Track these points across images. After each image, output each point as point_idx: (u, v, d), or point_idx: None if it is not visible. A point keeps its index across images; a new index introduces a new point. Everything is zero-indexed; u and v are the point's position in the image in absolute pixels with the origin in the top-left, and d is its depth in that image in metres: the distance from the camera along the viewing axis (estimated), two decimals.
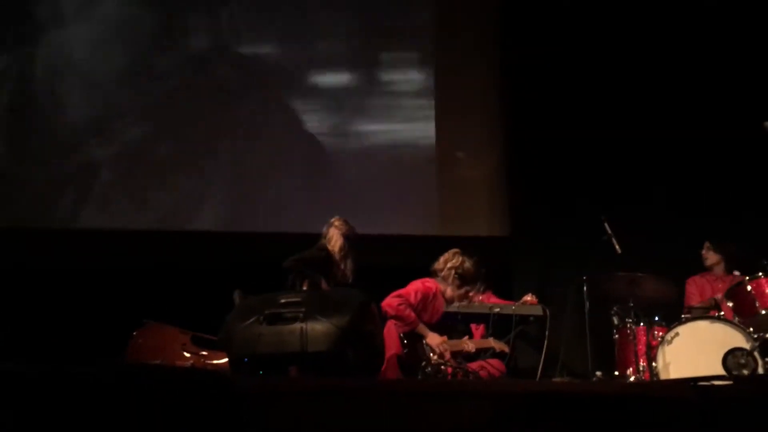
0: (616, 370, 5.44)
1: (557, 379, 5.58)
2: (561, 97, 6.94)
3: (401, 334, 5.18)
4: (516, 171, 7.09)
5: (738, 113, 6.39)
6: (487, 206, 7.19)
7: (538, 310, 5.37)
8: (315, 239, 5.41)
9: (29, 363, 2.88)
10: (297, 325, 3.90)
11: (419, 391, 3.14)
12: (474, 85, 7.31)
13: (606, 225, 5.63)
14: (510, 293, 6.01)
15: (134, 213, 6.78)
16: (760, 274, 5.25)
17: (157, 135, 6.93)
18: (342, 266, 5.30)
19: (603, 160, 6.88)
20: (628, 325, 5.39)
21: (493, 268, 5.78)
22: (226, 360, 4.66)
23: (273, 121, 7.10)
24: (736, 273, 5.71)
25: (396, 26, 7.27)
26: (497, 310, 5.30)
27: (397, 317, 5.16)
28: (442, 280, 5.38)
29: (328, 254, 5.29)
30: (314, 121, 7.10)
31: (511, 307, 5.37)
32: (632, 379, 5.25)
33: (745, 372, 4.86)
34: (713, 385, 3.07)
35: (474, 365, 5.19)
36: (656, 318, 5.40)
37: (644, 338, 5.27)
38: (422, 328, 5.20)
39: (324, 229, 5.41)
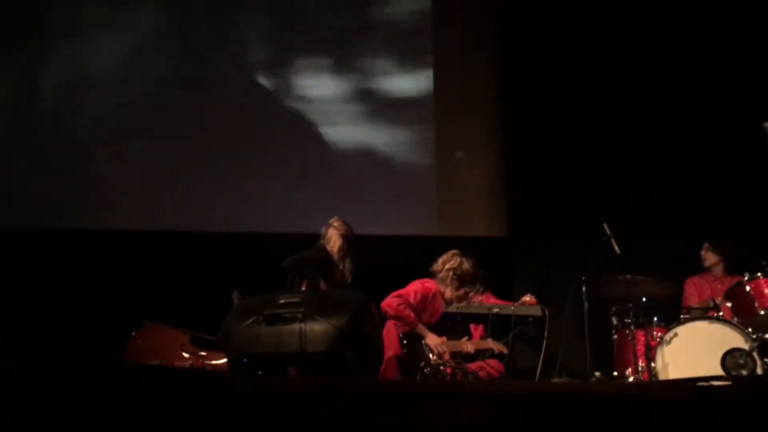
0: (615, 370, 5.44)
1: (556, 380, 5.58)
2: (560, 97, 6.94)
3: (400, 335, 5.19)
4: (515, 171, 7.09)
5: (738, 113, 6.39)
6: (486, 206, 7.19)
7: (537, 311, 5.36)
8: (314, 240, 5.41)
9: (29, 363, 2.88)
10: (296, 326, 3.91)
11: (418, 392, 3.15)
12: (474, 85, 7.31)
13: (605, 226, 5.63)
14: (509, 294, 6.01)
15: (134, 213, 6.78)
16: (759, 274, 5.25)
17: (158, 135, 6.93)
18: (341, 267, 5.31)
19: (602, 160, 6.88)
20: (627, 326, 5.39)
21: (492, 268, 5.78)
22: (224, 360, 4.66)
23: (273, 122, 7.10)
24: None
25: (396, 26, 7.27)
26: (496, 310, 5.30)
27: (396, 317, 5.17)
28: (440, 282, 5.39)
29: (327, 255, 5.30)
30: (314, 122, 7.10)
31: (510, 308, 5.36)
32: (631, 379, 5.25)
33: (744, 372, 4.87)
34: (712, 386, 3.08)
35: (473, 366, 5.19)
36: (655, 318, 5.40)
37: (643, 339, 5.27)
38: (421, 329, 5.21)
39: (323, 230, 5.42)
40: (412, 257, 6.22)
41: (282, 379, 3.84)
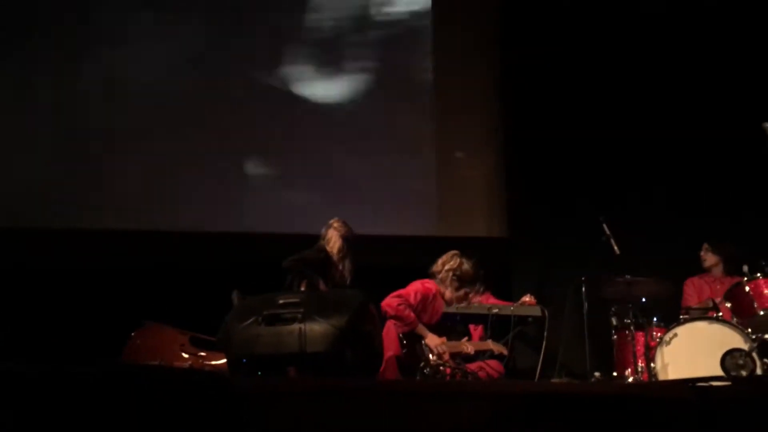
0: (615, 370, 5.44)
1: (556, 380, 5.58)
2: (560, 97, 6.95)
3: (400, 335, 5.19)
4: (515, 171, 7.09)
5: (738, 113, 6.39)
6: (486, 206, 7.20)
7: (536, 311, 5.36)
8: (314, 240, 5.41)
9: (29, 363, 2.88)
10: (295, 326, 3.90)
11: (418, 392, 3.15)
12: (474, 85, 7.32)
13: (605, 226, 5.63)
14: (509, 294, 6.01)
15: (134, 213, 6.78)
16: (759, 275, 5.26)
17: (158, 136, 6.93)
18: (340, 267, 5.32)
19: (602, 160, 6.88)
20: (627, 326, 5.39)
21: (491, 268, 5.78)
22: (224, 361, 4.66)
23: (273, 122, 7.10)
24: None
25: (395, 26, 7.27)
26: (495, 311, 5.29)
27: (396, 317, 5.17)
28: (440, 283, 5.39)
29: (327, 255, 5.30)
30: (314, 123, 7.09)
31: (509, 308, 5.36)
32: (631, 380, 5.25)
33: (744, 373, 4.87)
34: (711, 386, 3.08)
35: (472, 366, 5.19)
36: (655, 319, 5.40)
37: (643, 339, 5.27)
38: (421, 329, 5.21)
39: (323, 231, 5.43)
40: (412, 257, 6.23)
41: (282, 380, 3.83)
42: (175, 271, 6.43)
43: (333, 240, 5.35)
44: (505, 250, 6.97)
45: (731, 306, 5.34)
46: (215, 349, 5.16)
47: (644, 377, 5.20)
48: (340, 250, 5.33)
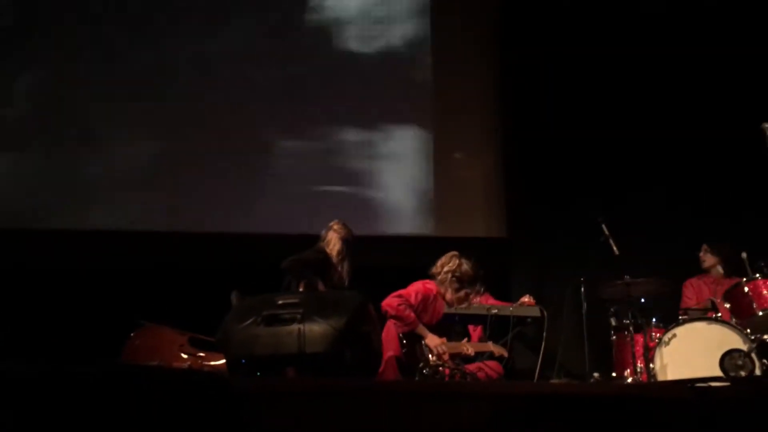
0: (614, 371, 5.44)
1: (555, 381, 5.58)
2: (560, 97, 6.95)
3: (400, 335, 5.19)
4: (514, 171, 7.09)
5: (738, 113, 6.39)
6: (485, 207, 7.20)
7: (535, 312, 5.36)
8: (314, 241, 5.42)
9: (29, 363, 2.88)
10: (294, 327, 3.90)
11: (417, 392, 3.15)
12: (473, 86, 7.32)
13: (603, 226, 5.63)
14: (508, 294, 6.01)
15: (133, 213, 6.78)
16: (758, 275, 5.26)
17: (158, 135, 6.93)
18: (339, 269, 5.32)
19: (601, 160, 6.89)
20: (626, 327, 5.39)
21: (491, 269, 5.78)
22: (223, 361, 4.65)
23: (273, 122, 7.10)
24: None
25: (395, 26, 7.27)
26: (495, 311, 5.29)
27: (396, 317, 5.17)
28: (440, 284, 5.39)
29: (326, 257, 5.30)
30: (314, 123, 7.10)
31: (508, 309, 5.35)
32: (630, 380, 5.25)
33: (743, 373, 4.87)
34: (710, 387, 3.07)
35: (472, 367, 5.19)
36: (654, 319, 5.40)
37: (642, 340, 5.27)
38: (422, 329, 5.21)
39: (323, 232, 5.43)
40: (412, 257, 6.23)
41: (281, 380, 3.83)
42: (174, 271, 6.44)
43: (333, 242, 5.36)
44: (504, 250, 6.97)
45: (730, 306, 5.34)
46: (214, 350, 5.16)
47: (643, 378, 5.20)
48: (339, 253, 5.33)
